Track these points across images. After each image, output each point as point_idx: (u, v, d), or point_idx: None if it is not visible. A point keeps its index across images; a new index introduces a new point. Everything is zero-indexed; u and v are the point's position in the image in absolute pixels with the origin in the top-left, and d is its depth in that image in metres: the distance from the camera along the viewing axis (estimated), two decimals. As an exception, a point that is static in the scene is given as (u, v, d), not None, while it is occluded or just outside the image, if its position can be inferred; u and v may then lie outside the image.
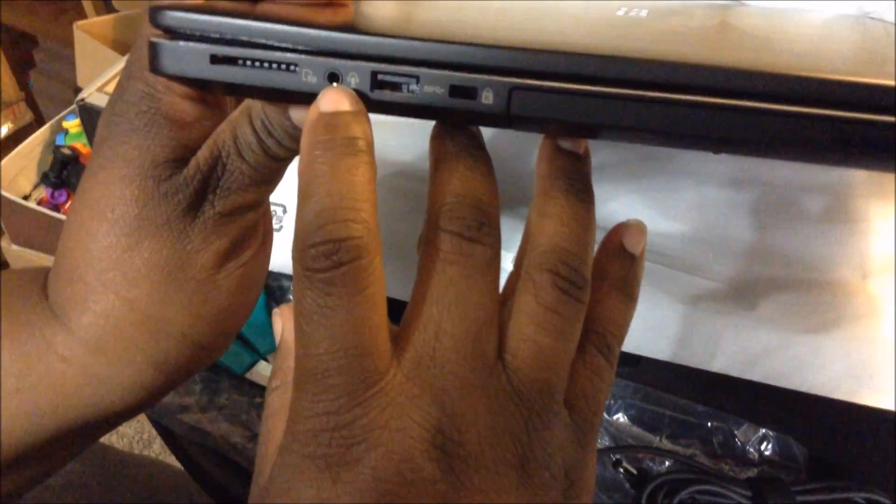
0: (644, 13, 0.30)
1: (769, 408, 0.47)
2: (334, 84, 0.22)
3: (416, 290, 0.23)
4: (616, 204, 0.48)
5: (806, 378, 0.42)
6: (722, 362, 0.43)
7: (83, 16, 1.63)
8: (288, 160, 0.28)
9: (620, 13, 0.30)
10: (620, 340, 0.25)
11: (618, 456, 0.49)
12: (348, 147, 0.21)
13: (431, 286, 0.22)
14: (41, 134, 1.34)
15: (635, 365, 0.48)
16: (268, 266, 0.31)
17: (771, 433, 0.48)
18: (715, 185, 0.48)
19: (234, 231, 0.28)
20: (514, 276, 0.25)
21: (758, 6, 0.42)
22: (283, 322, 0.27)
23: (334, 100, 0.22)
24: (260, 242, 0.30)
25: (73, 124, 1.34)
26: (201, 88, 0.26)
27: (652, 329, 0.44)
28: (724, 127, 0.19)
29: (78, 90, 1.44)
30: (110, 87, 0.54)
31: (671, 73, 0.19)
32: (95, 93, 0.54)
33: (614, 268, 0.25)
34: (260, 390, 0.54)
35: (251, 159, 0.26)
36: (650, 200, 0.49)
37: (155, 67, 0.23)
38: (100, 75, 0.55)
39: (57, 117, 1.37)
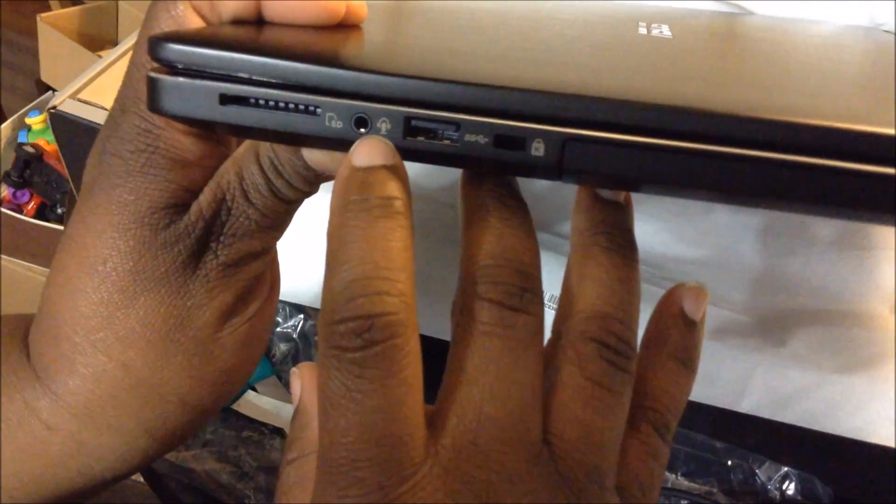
0: (667, 31, 0.29)
1: (792, 445, 0.45)
2: (362, 130, 0.19)
3: (453, 366, 0.20)
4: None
5: (840, 421, 0.40)
6: (751, 403, 0.41)
7: (46, 6, 1.56)
8: (298, 203, 0.25)
9: (643, 31, 0.28)
10: (678, 417, 0.23)
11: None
12: (384, 209, 0.19)
13: (470, 362, 0.19)
14: (2, 130, 1.29)
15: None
16: (274, 318, 0.28)
17: (794, 472, 0.46)
18: (730, 209, 0.46)
19: (240, 283, 0.25)
20: (553, 343, 0.22)
21: (767, 17, 0.41)
22: (302, 384, 0.24)
23: (369, 153, 0.19)
24: (266, 294, 0.27)
25: (36, 120, 1.28)
26: (205, 129, 0.23)
27: (676, 366, 0.42)
28: (810, 187, 0.17)
29: (41, 84, 1.39)
30: (85, 94, 0.50)
31: (762, 131, 0.17)
32: (68, 100, 0.49)
33: (673, 335, 0.23)
34: (248, 422, 0.50)
35: (258, 202, 0.24)
36: (662, 224, 0.47)
37: (155, 106, 0.20)
38: (73, 81, 0.51)
39: (19, 113, 1.32)
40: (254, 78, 0.19)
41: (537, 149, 0.18)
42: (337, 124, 0.19)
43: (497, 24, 0.27)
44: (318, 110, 0.19)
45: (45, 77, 1.36)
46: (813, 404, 0.40)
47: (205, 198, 0.23)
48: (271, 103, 0.19)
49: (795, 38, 0.35)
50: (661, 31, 0.29)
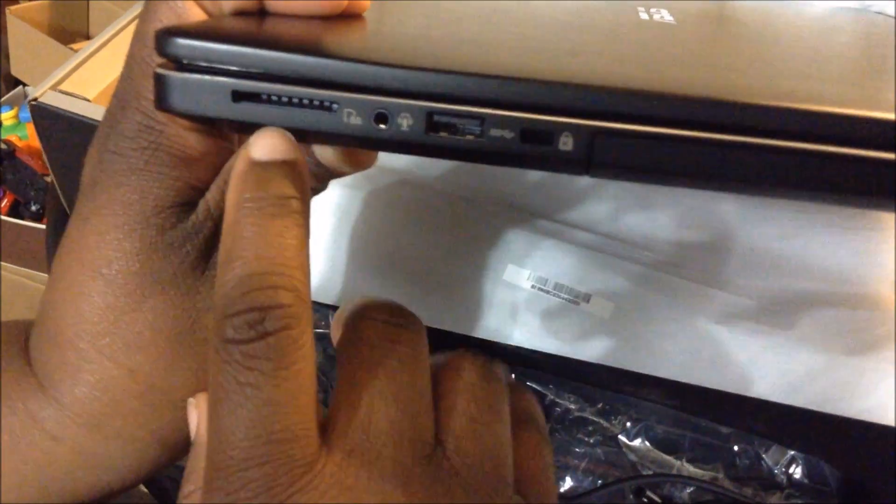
0: (667, 15, 0.29)
1: (799, 429, 0.45)
2: (381, 126, 0.18)
3: (343, 376, 0.20)
4: (633, 216, 0.45)
5: (852, 403, 0.40)
6: (762, 388, 0.41)
7: (14, -1, 1.52)
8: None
9: (644, 16, 0.28)
10: (541, 413, 0.24)
11: (638, 484, 0.46)
12: (280, 207, 0.18)
13: (359, 370, 0.20)
14: (-28, 127, 1.25)
15: (657, 386, 0.45)
16: None
17: (800, 455, 0.46)
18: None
19: None
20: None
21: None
22: (199, 414, 0.23)
23: (269, 147, 0.18)
24: None
25: (7, 116, 1.25)
26: (215, 127, 0.22)
27: (684, 353, 0.41)
28: (854, 178, 0.17)
29: (11, 79, 1.36)
30: (66, 86, 0.48)
31: (797, 121, 0.17)
32: (49, 91, 0.48)
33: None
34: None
35: None
36: (662, 210, 0.46)
37: (163, 104, 0.19)
38: (52, 73, 0.49)
39: (-11, 108, 1.28)
40: (268, 73, 0.18)
41: (565, 143, 0.18)
42: (355, 121, 0.18)
43: (498, 12, 0.26)
44: (336, 106, 0.18)
45: (16, 71, 1.33)
46: (823, 387, 0.40)
47: (212, 195, 0.22)
48: (285, 99, 0.19)
49: (792, 21, 0.35)
50: (663, 16, 0.29)
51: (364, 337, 0.21)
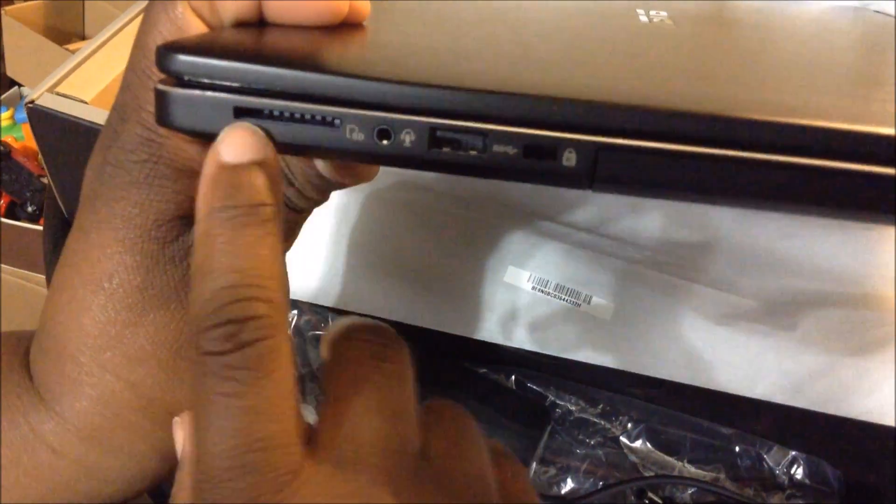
0: (667, 18, 0.29)
1: (799, 429, 0.45)
2: (384, 142, 0.18)
3: (329, 390, 0.21)
4: (634, 217, 0.45)
5: (853, 404, 0.40)
6: (764, 389, 0.41)
7: (9, -1, 1.52)
8: (308, 212, 0.24)
9: (644, 20, 0.28)
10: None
11: (640, 485, 0.46)
12: (252, 216, 0.18)
13: (345, 385, 0.21)
14: (-32, 128, 1.25)
15: (658, 387, 0.45)
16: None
17: (802, 456, 0.45)
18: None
19: None
20: None
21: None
22: (184, 431, 0.22)
23: (239, 148, 0.18)
24: None
25: (4, 117, 1.24)
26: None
27: (686, 354, 0.41)
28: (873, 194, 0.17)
29: (7, 80, 1.35)
30: (63, 87, 0.48)
31: (805, 138, 0.17)
32: (46, 94, 0.47)
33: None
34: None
35: None
36: (661, 210, 0.46)
37: (164, 120, 0.19)
38: (49, 75, 0.48)
39: (-15, 110, 1.27)
40: (270, 89, 0.18)
41: (569, 159, 0.18)
42: (358, 136, 0.18)
43: (497, 19, 0.26)
44: (338, 122, 0.18)
45: (11, 72, 1.32)
46: (825, 388, 0.40)
47: None
48: (287, 115, 0.18)
49: (791, 22, 0.34)
50: (662, 19, 0.28)
51: (350, 356, 0.21)
